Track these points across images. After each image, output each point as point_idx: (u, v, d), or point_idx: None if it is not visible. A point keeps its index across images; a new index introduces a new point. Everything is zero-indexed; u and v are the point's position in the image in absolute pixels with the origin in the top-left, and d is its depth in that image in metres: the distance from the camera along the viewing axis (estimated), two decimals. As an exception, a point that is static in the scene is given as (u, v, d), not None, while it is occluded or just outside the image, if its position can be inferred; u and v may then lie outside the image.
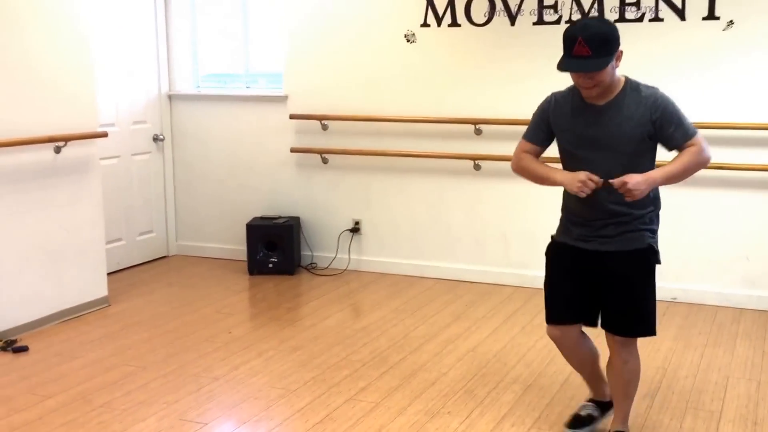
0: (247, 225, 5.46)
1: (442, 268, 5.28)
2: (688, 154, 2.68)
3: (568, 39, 2.60)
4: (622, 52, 2.66)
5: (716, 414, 3.25)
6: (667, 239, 4.74)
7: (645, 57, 4.70)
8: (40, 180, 4.31)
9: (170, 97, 5.83)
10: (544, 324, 4.31)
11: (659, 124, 2.67)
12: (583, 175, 2.65)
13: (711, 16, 4.54)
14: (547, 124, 2.84)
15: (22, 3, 4.13)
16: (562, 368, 3.74)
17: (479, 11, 5.00)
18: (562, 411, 3.28)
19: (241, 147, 5.72)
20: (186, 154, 5.88)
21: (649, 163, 2.75)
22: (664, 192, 4.72)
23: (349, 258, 5.49)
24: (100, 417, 3.22)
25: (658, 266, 2.84)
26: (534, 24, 4.86)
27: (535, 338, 4.12)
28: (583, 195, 2.65)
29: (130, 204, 5.58)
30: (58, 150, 4.34)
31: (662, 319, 4.43)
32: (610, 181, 2.64)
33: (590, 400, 3.11)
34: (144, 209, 5.72)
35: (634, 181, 2.60)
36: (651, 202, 2.78)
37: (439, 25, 5.10)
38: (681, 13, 4.61)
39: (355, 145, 5.38)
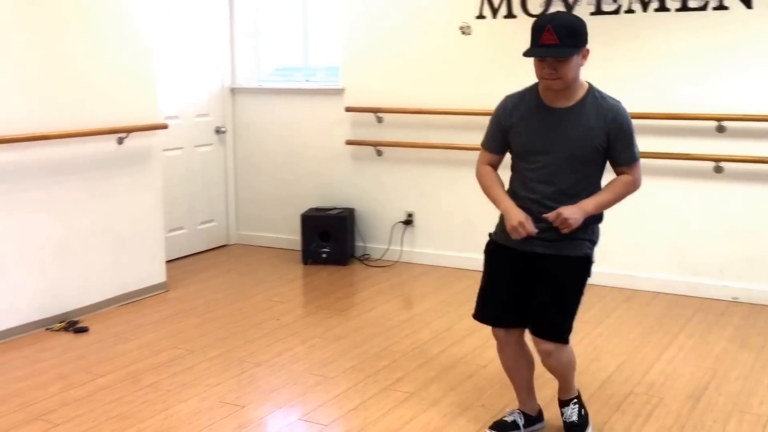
0: (301, 215, 5.56)
1: (495, 262, 5.22)
2: (622, 185, 2.71)
3: (537, 28, 2.57)
4: (588, 51, 2.63)
5: (763, 418, 3.12)
6: (728, 238, 4.61)
7: (708, 47, 4.55)
8: (104, 170, 4.50)
9: (232, 91, 5.99)
10: (591, 321, 4.27)
11: (612, 139, 2.65)
12: (522, 219, 2.65)
13: (779, 3, 4.35)
14: (503, 131, 2.79)
15: (85, 1, 4.32)
16: (605, 365, 3.68)
17: (536, 2, 4.93)
18: (600, 408, 3.22)
19: (298, 139, 5.82)
20: (247, 146, 6.03)
21: (597, 174, 2.73)
22: (724, 191, 4.57)
23: (402, 250, 5.52)
24: (146, 396, 3.36)
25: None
26: (592, 14, 4.75)
27: (581, 335, 4.04)
28: (514, 237, 2.69)
29: (192, 194, 5.76)
30: (120, 141, 4.53)
31: (720, 319, 4.29)
32: (544, 215, 2.64)
33: (518, 410, 3.03)
34: (205, 199, 5.90)
35: (569, 211, 2.60)
36: (596, 218, 2.76)
37: (494, 16, 5.06)
38: (747, 1, 4.41)
39: (409, 138, 5.40)
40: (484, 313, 2.92)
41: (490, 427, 3.00)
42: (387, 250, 5.56)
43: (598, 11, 4.75)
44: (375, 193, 5.60)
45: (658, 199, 4.74)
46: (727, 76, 4.51)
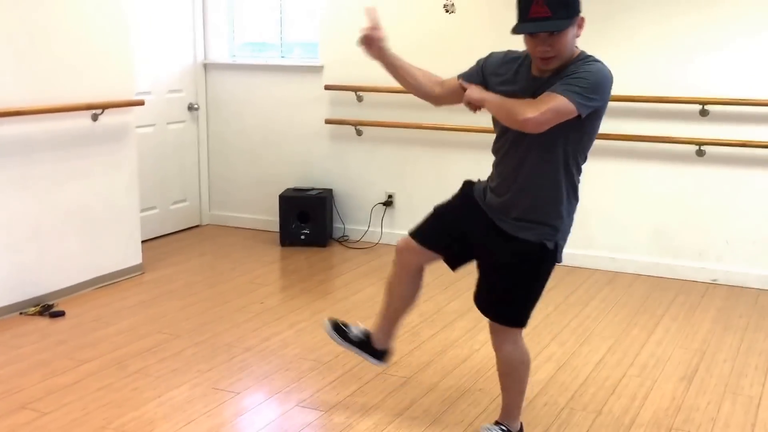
0: (279, 196, 5.45)
1: (476, 244, 5.21)
2: (520, 101, 2.38)
3: (523, 0, 2.34)
4: (583, 19, 2.38)
5: (755, 399, 3.18)
6: (708, 221, 4.68)
7: (693, 30, 4.55)
8: (78, 148, 4.33)
9: (205, 66, 5.82)
10: (577, 303, 4.30)
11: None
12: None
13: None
14: (481, 74, 2.64)
15: (60, -31, 4.13)
16: (596, 348, 3.70)
17: (520, -18, 4.87)
18: (596, 392, 3.24)
19: (275, 117, 5.69)
20: (220, 124, 5.88)
21: (572, 148, 2.46)
22: (705, 174, 4.61)
23: (382, 231, 5.46)
24: (135, 383, 3.25)
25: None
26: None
27: (570, 317, 4.07)
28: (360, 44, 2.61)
29: (164, 173, 5.60)
30: (95, 118, 4.36)
31: (701, 301, 4.36)
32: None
33: (369, 335, 2.97)
34: (178, 178, 5.74)
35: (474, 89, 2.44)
36: (560, 201, 2.53)
37: (478, -6, 5.00)
38: (731, -14, 4.44)
39: (389, 118, 5.32)
40: (415, 229, 2.82)
41: (331, 323, 2.98)
42: (366, 231, 5.50)
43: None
44: (355, 174, 5.52)
45: (641, 181, 4.78)
46: (711, 60, 4.54)
